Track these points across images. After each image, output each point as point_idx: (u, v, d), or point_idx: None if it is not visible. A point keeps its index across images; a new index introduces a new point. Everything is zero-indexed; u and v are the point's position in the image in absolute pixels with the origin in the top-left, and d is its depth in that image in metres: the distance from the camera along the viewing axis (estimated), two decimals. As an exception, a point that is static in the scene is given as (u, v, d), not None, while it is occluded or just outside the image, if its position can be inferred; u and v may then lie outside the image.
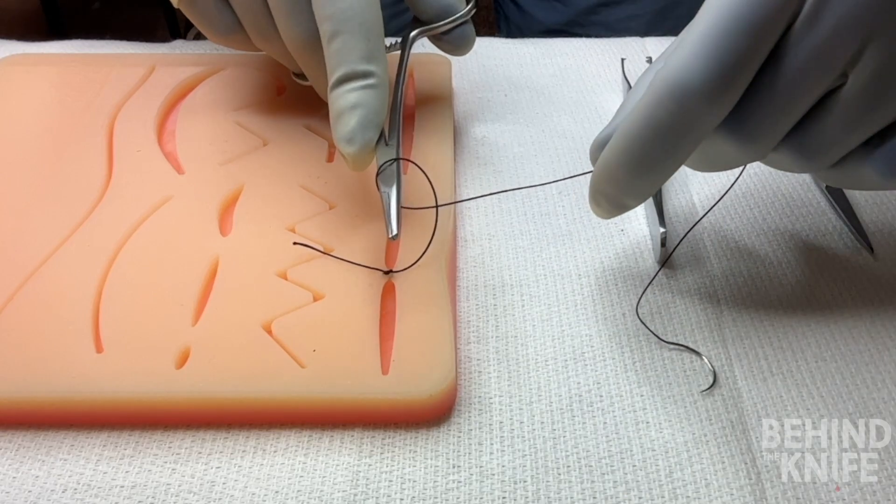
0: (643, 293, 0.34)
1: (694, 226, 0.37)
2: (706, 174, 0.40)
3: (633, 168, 0.28)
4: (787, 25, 0.26)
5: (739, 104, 0.27)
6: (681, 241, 0.36)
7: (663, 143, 0.27)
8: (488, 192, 0.38)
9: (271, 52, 0.38)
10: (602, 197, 0.30)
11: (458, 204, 0.38)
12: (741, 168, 0.36)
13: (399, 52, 0.39)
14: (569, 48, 0.49)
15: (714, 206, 0.38)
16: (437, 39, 0.40)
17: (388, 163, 0.34)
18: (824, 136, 0.27)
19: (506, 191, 0.37)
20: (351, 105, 0.33)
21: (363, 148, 0.33)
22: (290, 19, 0.34)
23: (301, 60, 0.36)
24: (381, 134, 0.34)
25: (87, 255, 0.34)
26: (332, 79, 0.33)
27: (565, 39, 0.50)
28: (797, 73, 0.26)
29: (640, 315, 0.33)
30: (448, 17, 0.39)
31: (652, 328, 0.33)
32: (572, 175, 0.35)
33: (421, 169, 0.34)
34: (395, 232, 0.32)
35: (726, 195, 0.39)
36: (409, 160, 0.36)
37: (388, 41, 0.38)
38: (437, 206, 0.34)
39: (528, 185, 0.39)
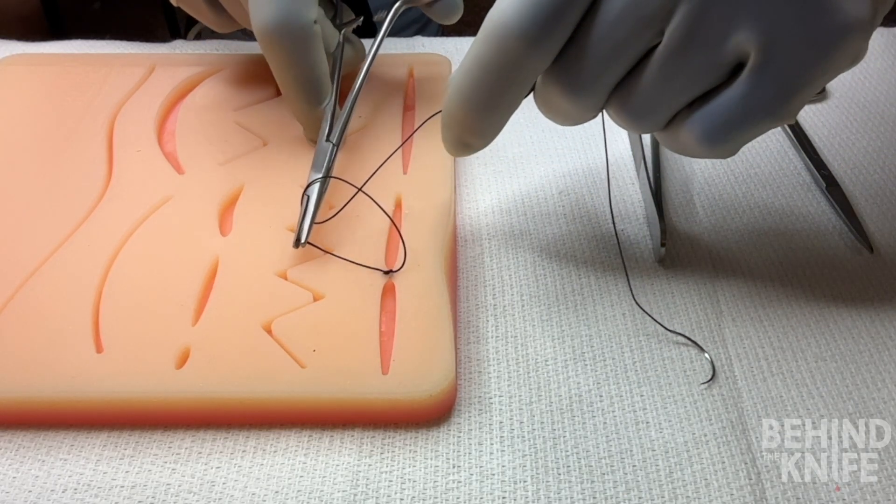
0: (627, 279, 0.34)
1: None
2: (707, 176, 0.40)
3: (468, 107, 0.29)
4: None
5: (564, 52, 0.27)
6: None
7: (491, 83, 0.28)
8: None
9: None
10: (448, 133, 0.31)
11: (458, 205, 0.38)
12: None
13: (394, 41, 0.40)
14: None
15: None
16: (426, 9, 0.41)
17: (315, 181, 0.34)
18: (644, 95, 0.27)
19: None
20: (297, 119, 0.38)
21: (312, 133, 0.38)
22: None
23: None
24: (327, 129, 0.36)
25: (87, 255, 0.34)
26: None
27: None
28: (613, 23, 0.26)
29: (637, 300, 0.33)
30: None
31: (652, 327, 0.33)
32: (430, 116, 0.35)
33: (341, 179, 0.35)
34: (303, 240, 0.33)
35: (727, 196, 0.39)
36: (339, 178, 0.36)
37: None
38: (359, 189, 0.34)
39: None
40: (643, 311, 0.33)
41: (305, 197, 0.34)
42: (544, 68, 0.28)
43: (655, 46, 0.27)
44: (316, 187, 0.34)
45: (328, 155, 0.36)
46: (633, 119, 0.28)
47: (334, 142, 0.36)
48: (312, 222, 0.33)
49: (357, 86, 0.38)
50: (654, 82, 0.27)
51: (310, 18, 0.36)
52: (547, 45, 0.27)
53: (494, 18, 0.27)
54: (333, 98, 0.38)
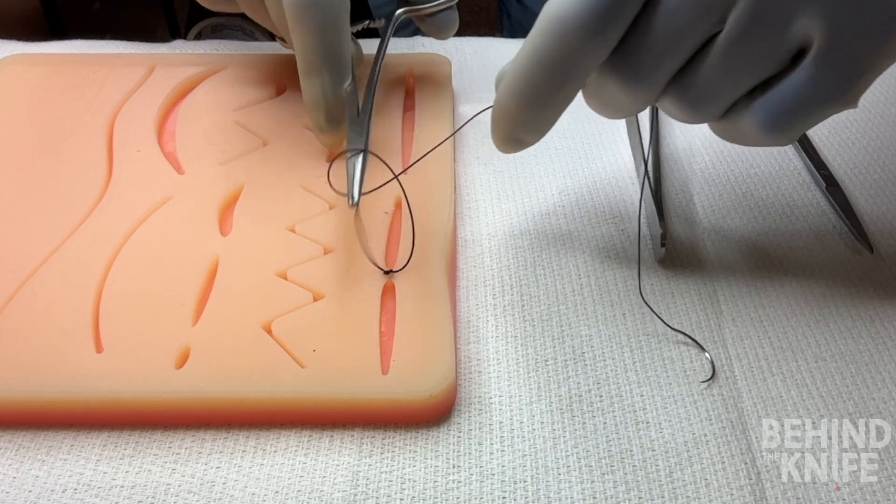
0: (639, 274, 0.34)
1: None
2: (707, 176, 0.40)
3: (522, 102, 0.29)
4: None
5: (623, 43, 0.27)
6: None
7: (547, 77, 0.28)
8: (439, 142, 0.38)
9: (257, 19, 0.39)
10: (499, 129, 0.30)
11: (458, 205, 0.38)
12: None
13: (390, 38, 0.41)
14: (569, 48, 0.49)
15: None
16: (420, 21, 0.41)
17: (356, 152, 0.34)
18: (704, 83, 0.27)
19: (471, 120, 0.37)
20: (315, 100, 0.36)
21: (333, 138, 0.37)
22: None
23: (286, 37, 0.37)
24: (356, 106, 0.36)
25: (87, 255, 0.34)
26: (298, 66, 0.36)
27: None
28: (675, 12, 0.26)
29: (644, 296, 0.33)
30: (435, 1, 0.40)
31: (652, 327, 0.33)
32: (482, 109, 0.35)
33: (377, 156, 0.35)
34: (355, 199, 0.32)
35: (727, 196, 0.39)
36: (374, 153, 0.35)
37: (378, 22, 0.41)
38: (396, 176, 0.34)
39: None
40: (648, 306, 0.33)
41: (350, 164, 0.34)
42: (602, 60, 0.27)
43: (715, 34, 0.26)
44: (359, 157, 0.34)
45: (365, 127, 0.36)
46: (691, 109, 0.28)
47: (367, 116, 0.36)
48: (362, 182, 0.33)
49: (378, 69, 0.38)
50: (715, 71, 0.27)
51: None
52: (607, 36, 0.26)
53: (553, 11, 0.26)
54: (354, 82, 0.37)
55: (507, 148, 0.31)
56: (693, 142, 0.42)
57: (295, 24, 0.35)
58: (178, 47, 0.49)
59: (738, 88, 0.27)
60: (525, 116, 0.29)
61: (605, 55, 0.27)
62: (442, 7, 0.40)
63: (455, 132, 0.37)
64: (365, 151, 0.34)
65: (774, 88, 0.27)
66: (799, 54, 0.26)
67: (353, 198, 0.32)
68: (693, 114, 0.28)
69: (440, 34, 0.41)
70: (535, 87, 0.28)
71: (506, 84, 0.29)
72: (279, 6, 0.35)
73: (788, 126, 0.27)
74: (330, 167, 0.35)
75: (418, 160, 0.35)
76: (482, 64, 0.48)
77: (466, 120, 0.35)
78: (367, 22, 0.42)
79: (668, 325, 0.33)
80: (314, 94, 0.36)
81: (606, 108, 0.30)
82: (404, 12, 0.40)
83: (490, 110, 0.31)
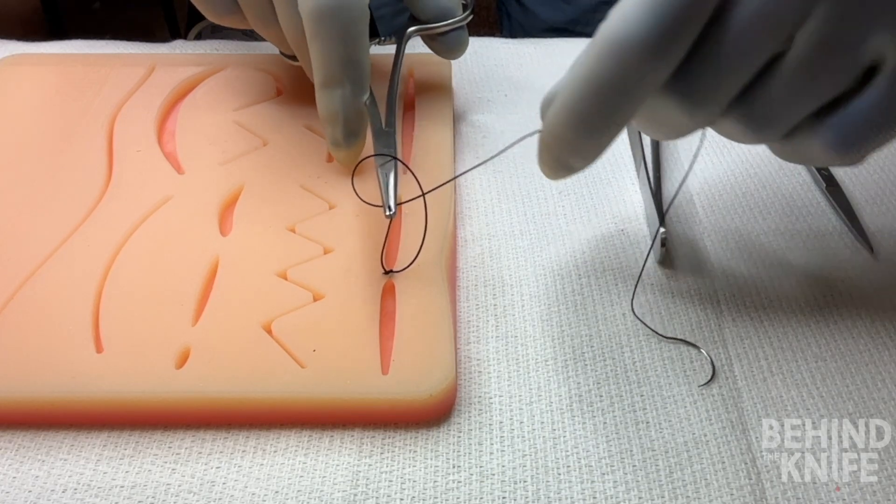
0: (635, 289, 0.34)
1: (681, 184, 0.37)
2: (707, 176, 0.40)
3: (576, 126, 0.27)
4: None
5: (684, 64, 0.26)
6: (671, 203, 0.36)
7: (604, 100, 0.26)
8: (468, 169, 0.38)
9: (266, 35, 0.38)
10: (548, 155, 0.29)
11: (458, 205, 0.38)
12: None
13: (395, 46, 0.40)
14: (569, 48, 0.49)
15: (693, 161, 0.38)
16: (430, 40, 0.41)
17: (388, 160, 0.34)
18: (770, 103, 0.26)
19: (488, 160, 0.36)
20: (333, 113, 0.35)
21: (349, 153, 0.36)
22: (291, 9, 0.35)
23: (298, 51, 0.37)
24: (378, 120, 0.36)
25: (87, 255, 0.34)
26: (315, 79, 0.35)
27: (565, 40, 0.50)
28: (741, 31, 0.25)
29: (635, 311, 0.33)
30: (445, 20, 0.40)
31: (651, 326, 0.33)
32: (526, 134, 0.33)
33: (406, 166, 0.35)
34: (392, 209, 0.33)
35: (727, 196, 0.39)
36: (402, 161, 0.36)
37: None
38: (423, 194, 0.33)
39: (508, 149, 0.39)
40: (638, 319, 0.33)
41: (382, 174, 0.34)
42: (663, 82, 0.26)
43: (781, 53, 0.26)
44: (392, 168, 0.34)
45: (393, 139, 0.36)
46: (754, 130, 0.27)
47: (394, 129, 0.36)
48: (397, 192, 0.33)
49: (396, 84, 0.38)
50: (781, 91, 0.26)
51: (365, 1, 0.35)
52: (669, 57, 0.25)
53: (611, 33, 0.25)
54: (373, 95, 0.36)
55: (556, 175, 0.30)
56: (693, 142, 0.42)
57: (315, 33, 0.34)
58: (178, 47, 0.49)
59: (805, 109, 0.26)
60: (579, 142, 0.28)
61: (667, 76, 0.26)
62: (452, 27, 0.40)
63: (491, 158, 0.35)
64: (396, 160, 0.34)
65: (846, 108, 0.26)
66: (868, 72, 0.26)
67: (390, 208, 0.33)
68: (755, 135, 0.27)
69: (450, 54, 0.41)
70: (591, 112, 0.27)
71: (558, 108, 0.27)
72: (294, 18, 0.35)
73: (861, 145, 0.26)
74: (353, 178, 0.35)
75: (446, 183, 0.34)
76: (482, 64, 0.48)
77: (509, 144, 0.32)
78: (377, 40, 0.41)
79: (660, 335, 0.33)
80: (332, 106, 0.35)
81: (660, 130, 0.29)
82: (415, 31, 0.40)
83: (536, 135, 0.29)
